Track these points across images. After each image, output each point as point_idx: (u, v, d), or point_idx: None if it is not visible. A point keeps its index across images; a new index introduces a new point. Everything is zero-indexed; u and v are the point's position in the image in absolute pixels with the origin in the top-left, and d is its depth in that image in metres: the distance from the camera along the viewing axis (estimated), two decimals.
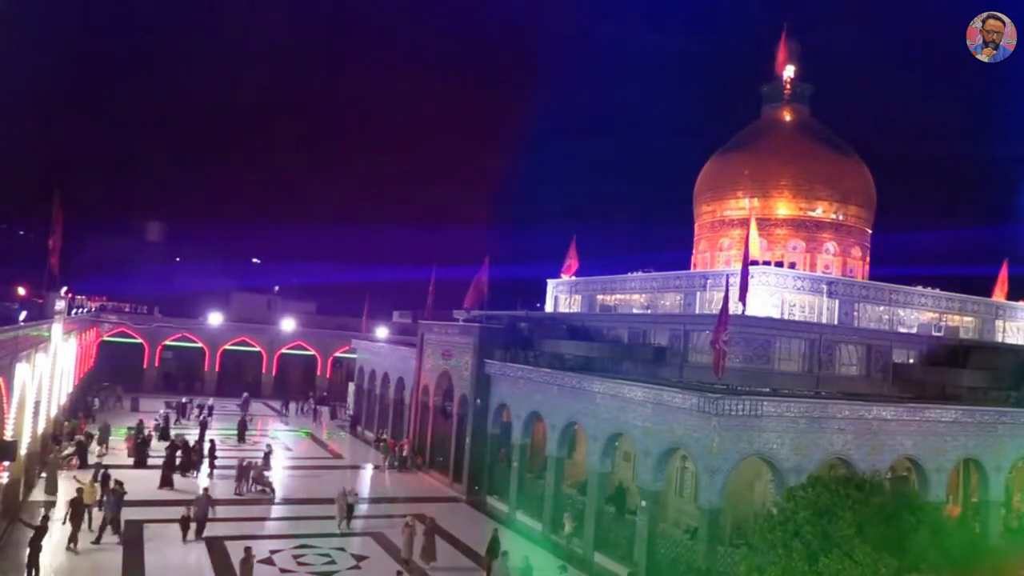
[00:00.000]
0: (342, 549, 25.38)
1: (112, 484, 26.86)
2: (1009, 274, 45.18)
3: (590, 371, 30.61)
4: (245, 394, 56.15)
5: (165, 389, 62.07)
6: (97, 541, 24.26)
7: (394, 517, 28.69)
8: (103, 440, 37.75)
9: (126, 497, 26.19)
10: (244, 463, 32.94)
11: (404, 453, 39.97)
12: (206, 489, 27.22)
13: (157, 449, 36.78)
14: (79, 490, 25.94)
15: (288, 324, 68.54)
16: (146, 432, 39.02)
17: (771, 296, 34.41)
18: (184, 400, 52.37)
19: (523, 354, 35.18)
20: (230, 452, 40.29)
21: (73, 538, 23.78)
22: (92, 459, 34.08)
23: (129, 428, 40.45)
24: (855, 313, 36.24)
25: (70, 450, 35.32)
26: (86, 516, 25.27)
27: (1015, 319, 42.56)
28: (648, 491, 24.06)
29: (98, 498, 26.34)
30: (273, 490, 32.19)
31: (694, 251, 46.21)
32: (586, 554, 26.45)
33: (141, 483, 30.93)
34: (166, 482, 31.89)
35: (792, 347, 31.32)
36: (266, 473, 33.62)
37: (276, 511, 30.55)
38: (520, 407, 32.36)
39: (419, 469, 39.82)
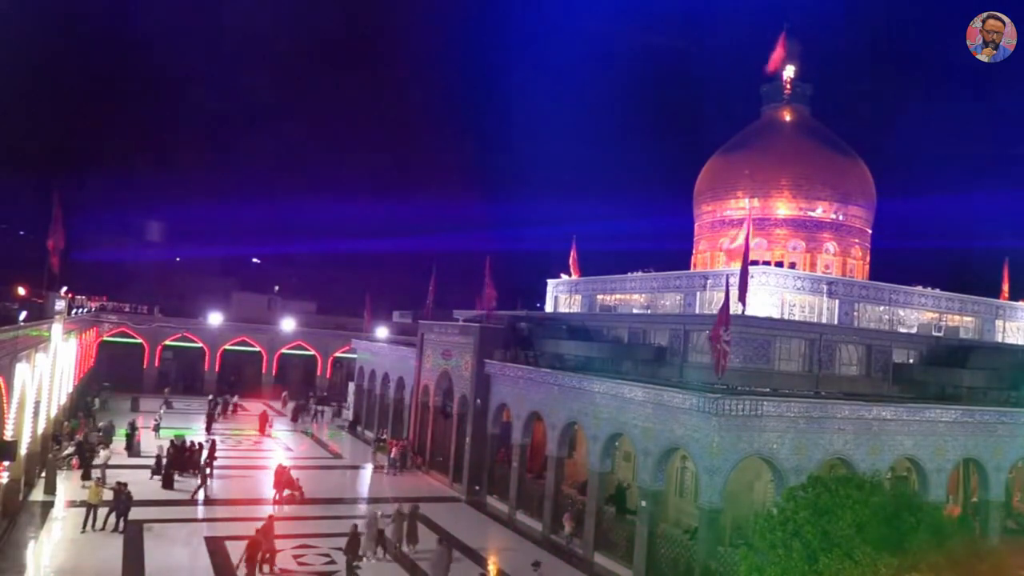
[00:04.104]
0: (342, 549, 25.32)
1: (115, 484, 26.86)
2: (1010, 273, 45.36)
3: (590, 371, 30.59)
4: (284, 393, 59.74)
5: (162, 389, 61.97)
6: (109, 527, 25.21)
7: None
8: (106, 441, 37.76)
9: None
10: (280, 468, 32.55)
11: (393, 455, 39.69)
12: (271, 516, 24.81)
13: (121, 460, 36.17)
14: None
15: (288, 324, 68.52)
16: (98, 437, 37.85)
17: (771, 296, 34.41)
18: (209, 398, 53.50)
19: (523, 354, 35.18)
20: (245, 451, 41.16)
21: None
22: (96, 460, 33.98)
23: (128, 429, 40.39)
24: (855, 313, 36.25)
25: (70, 450, 35.32)
26: (91, 515, 25.38)
27: (1015, 319, 42.55)
28: (648, 491, 24.07)
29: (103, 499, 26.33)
30: (301, 492, 31.92)
31: (694, 251, 46.23)
32: (586, 554, 26.47)
33: (142, 484, 30.96)
34: (167, 482, 31.88)
35: (792, 347, 31.32)
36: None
37: (276, 511, 30.46)
38: (520, 407, 32.35)
39: (419, 469, 39.82)
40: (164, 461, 33.00)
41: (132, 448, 37.86)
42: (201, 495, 31.28)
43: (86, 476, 31.54)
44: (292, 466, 37.83)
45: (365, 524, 25.24)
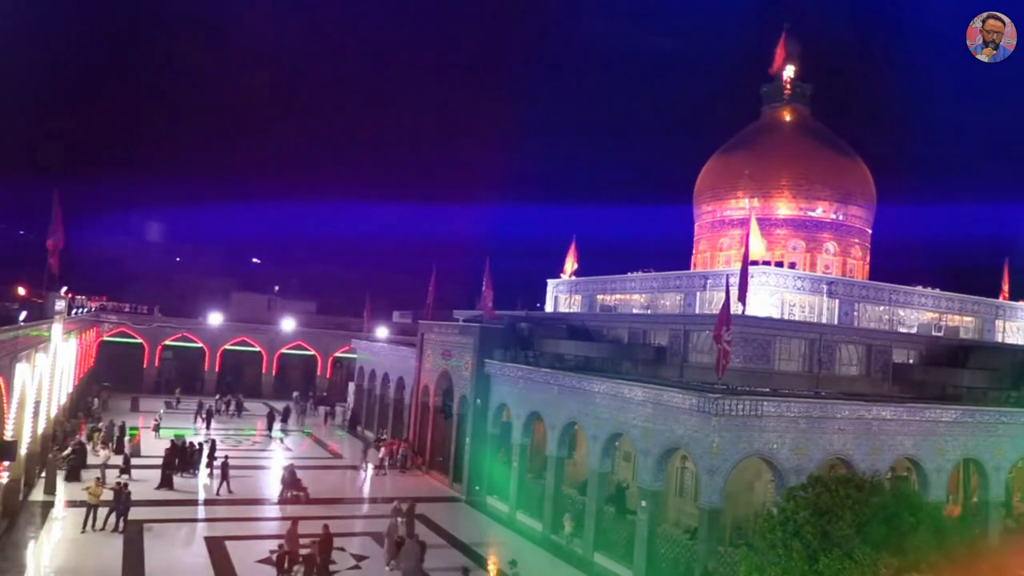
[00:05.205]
0: (342, 549, 25.31)
1: (115, 484, 26.86)
2: (1010, 273, 45.37)
3: (590, 371, 30.59)
4: (295, 393, 59.97)
5: (161, 389, 61.90)
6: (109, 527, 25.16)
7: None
8: (107, 441, 37.69)
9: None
10: (287, 468, 32.63)
11: (382, 454, 39.46)
12: (296, 520, 24.45)
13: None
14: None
15: (288, 324, 68.51)
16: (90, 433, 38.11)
17: (771, 296, 34.41)
18: (216, 397, 54.55)
19: (523, 354, 35.15)
20: (244, 451, 41.31)
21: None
22: (96, 460, 33.96)
23: (131, 429, 40.36)
24: (855, 313, 36.24)
25: (70, 450, 35.26)
26: (91, 515, 25.37)
27: (1015, 319, 42.56)
28: (648, 491, 24.06)
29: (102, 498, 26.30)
30: (307, 493, 31.87)
31: (694, 251, 46.21)
32: (586, 554, 26.47)
33: (141, 483, 30.95)
34: (166, 482, 31.87)
35: (792, 347, 31.31)
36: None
37: (277, 511, 30.51)
38: (520, 407, 32.35)
39: (419, 469, 39.80)
40: (132, 461, 33.17)
41: (130, 449, 37.78)
42: (203, 495, 31.33)
43: (71, 478, 31.31)
44: (296, 466, 37.97)
45: (385, 533, 25.04)
